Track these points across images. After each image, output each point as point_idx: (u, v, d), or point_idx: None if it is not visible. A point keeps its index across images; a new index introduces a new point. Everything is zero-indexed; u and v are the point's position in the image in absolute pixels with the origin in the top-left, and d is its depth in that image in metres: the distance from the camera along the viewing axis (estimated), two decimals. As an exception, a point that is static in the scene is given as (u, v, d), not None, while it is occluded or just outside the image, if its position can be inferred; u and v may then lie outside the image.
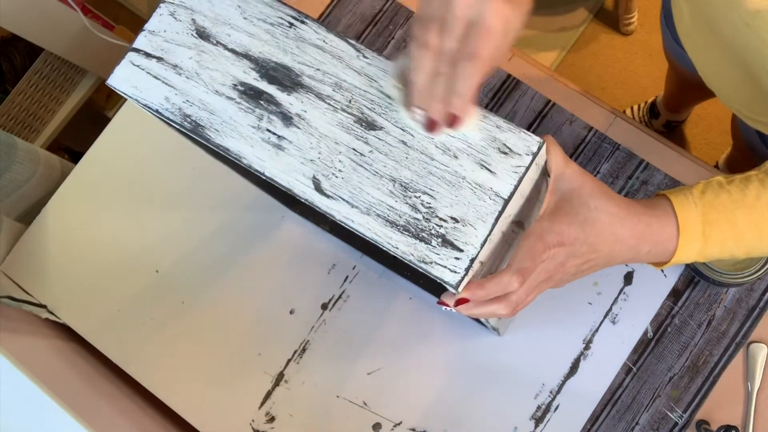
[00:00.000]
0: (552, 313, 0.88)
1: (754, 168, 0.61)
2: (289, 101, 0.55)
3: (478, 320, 0.79)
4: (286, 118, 0.55)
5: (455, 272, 0.52)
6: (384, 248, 0.53)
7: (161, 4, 0.58)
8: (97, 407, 0.83)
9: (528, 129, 0.54)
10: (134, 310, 0.96)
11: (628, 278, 0.88)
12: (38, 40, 1.40)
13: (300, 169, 0.54)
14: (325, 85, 0.55)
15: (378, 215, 0.53)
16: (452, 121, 0.53)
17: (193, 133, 0.56)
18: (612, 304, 0.88)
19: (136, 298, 0.97)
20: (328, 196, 0.54)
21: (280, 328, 0.93)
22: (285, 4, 0.57)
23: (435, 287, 0.85)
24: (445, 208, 0.53)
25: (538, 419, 0.86)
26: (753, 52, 0.64)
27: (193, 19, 0.58)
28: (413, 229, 0.53)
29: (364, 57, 0.56)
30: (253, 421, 0.91)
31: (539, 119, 0.94)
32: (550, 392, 0.86)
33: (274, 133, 0.55)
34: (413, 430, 0.88)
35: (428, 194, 0.53)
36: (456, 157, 0.54)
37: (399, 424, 0.88)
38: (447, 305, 0.56)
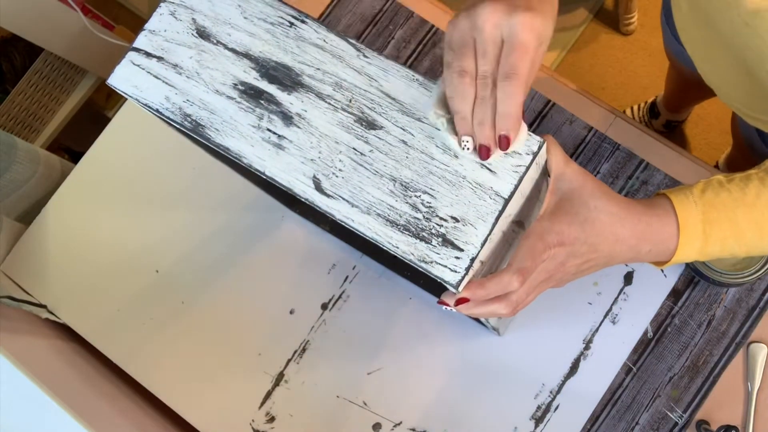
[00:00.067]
0: (552, 313, 0.88)
1: (754, 167, 0.61)
2: (290, 101, 0.55)
3: (478, 320, 0.79)
4: (287, 118, 0.55)
5: (455, 272, 0.52)
6: (384, 248, 0.53)
7: (161, 4, 0.58)
8: (97, 407, 0.83)
9: (528, 129, 0.54)
10: (134, 310, 0.96)
11: (628, 278, 0.88)
12: (38, 40, 1.40)
13: (300, 169, 0.54)
14: (325, 85, 0.55)
15: (378, 215, 0.53)
16: (504, 143, 0.53)
17: (194, 132, 0.56)
18: (612, 304, 0.88)
19: (136, 298, 0.96)
20: (328, 196, 0.54)
21: (280, 328, 0.93)
22: (285, 3, 0.57)
23: (435, 287, 0.85)
24: (446, 207, 0.53)
25: (538, 419, 0.86)
26: (752, 51, 0.64)
27: (193, 19, 0.58)
28: (413, 229, 0.53)
29: (365, 56, 0.56)
30: (253, 421, 0.91)
31: (539, 119, 0.94)
32: (550, 392, 0.86)
33: (274, 133, 0.55)
34: (413, 430, 0.88)
35: (428, 194, 0.53)
36: (456, 157, 0.54)
37: (399, 424, 0.88)
38: (447, 305, 0.56)
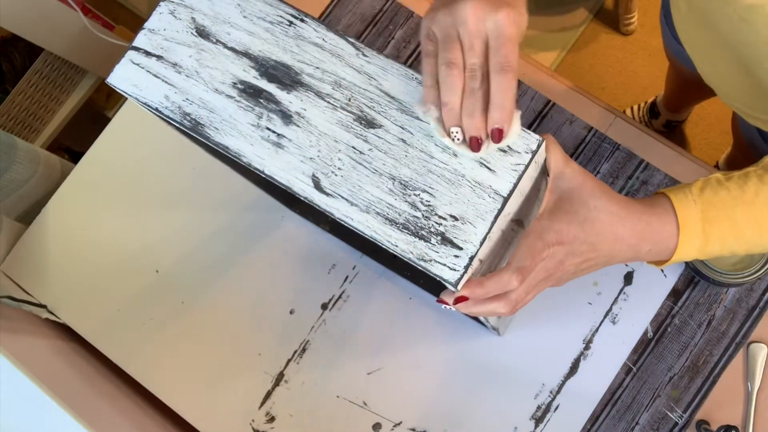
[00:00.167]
0: (552, 313, 0.88)
1: (753, 164, 0.61)
2: (289, 99, 0.55)
3: (477, 320, 0.79)
4: (286, 117, 0.55)
5: (454, 270, 0.52)
6: (383, 246, 0.53)
7: (161, 3, 0.58)
8: (97, 407, 0.83)
9: (528, 129, 0.54)
10: (134, 310, 0.96)
11: (628, 278, 0.88)
12: (38, 40, 1.40)
13: (299, 167, 0.54)
14: (324, 84, 0.55)
15: (377, 213, 0.53)
16: (497, 135, 0.53)
17: (193, 131, 0.56)
18: (612, 304, 0.87)
19: (136, 298, 0.97)
20: (327, 194, 0.54)
21: (280, 328, 0.93)
22: (285, 2, 0.57)
23: (435, 287, 0.85)
24: (445, 206, 0.53)
25: (538, 419, 0.86)
26: (750, 48, 0.64)
27: (192, 18, 0.58)
28: (413, 227, 0.53)
29: (364, 55, 0.56)
30: (253, 421, 0.90)
31: (539, 119, 0.94)
32: (550, 392, 0.86)
33: (273, 132, 0.55)
34: (413, 430, 0.88)
35: (428, 192, 0.53)
36: (455, 155, 0.54)
37: (399, 424, 0.88)
38: (446, 303, 0.56)
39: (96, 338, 0.96)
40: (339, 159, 0.54)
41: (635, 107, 1.79)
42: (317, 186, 0.54)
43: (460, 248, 0.52)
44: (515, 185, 0.53)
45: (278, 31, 0.57)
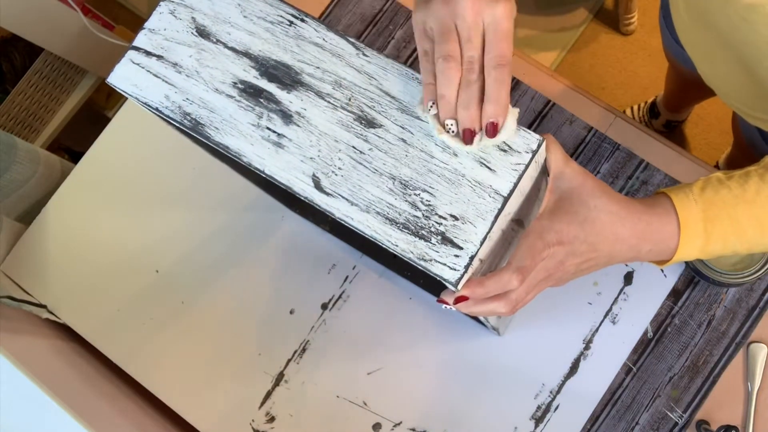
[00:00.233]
0: (552, 313, 0.88)
1: (753, 164, 0.61)
2: (289, 99, 0.55)
3: (477, 320, 0.79)
4: (286, 116, 0.55)
5: (455, 270, 0.52)
6: (383, 246, 0.53)
7: (161, 3, 0.58)
8: (97, 407, 0.83)
9: (528, 129, 0.54)
10: (134, 310, 0.96)
11: (628, 278, 0.88)
12: (38, 40, 1.40)
13: (300, 167, 0.54)
14: (324, 83, 0.55)
15: (378, 213, 0.53)
16: (491, 129, 0.53)
17: (193, 131, 0.56)
18: (612, 304, 0.87)
19: (136, 298, 0.96)
20: (327, 194, 0.54)
21: (280, 328, 0.93)
22: (285, 2, 0.57)
23: (435, 287, 0.85)
24: (445, 205, 0.53)
25: (538, 419, 0.86)
26: (750, 47, 0.64)
27: (193, 18, 0.58)
28: (413, 227, 0.53)
29: (364, 55, 0.56)
30: (253, 421, 0.90)
31: (539, 119, 0.94)
32: (550, 392, 0.86)
33: (273, 131, 0.55)
34: (413, 430, 0.88)
35: (428, 192, 0.53)
36: (455, 155, 0.54)
37: (399, 424, 0.88)
38: (446, 303, 0.56)
39: (96, 338, 0.96)
40: (339, 159, 0.54)
41: (635, 107, 1.79)
42: (317, 186, 0.54)
43: (461, 248, 0.52)
44: (515, 185, 0.53)
45: (278, 30, 0.57)
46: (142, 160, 1.01)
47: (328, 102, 0.55)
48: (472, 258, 0.52)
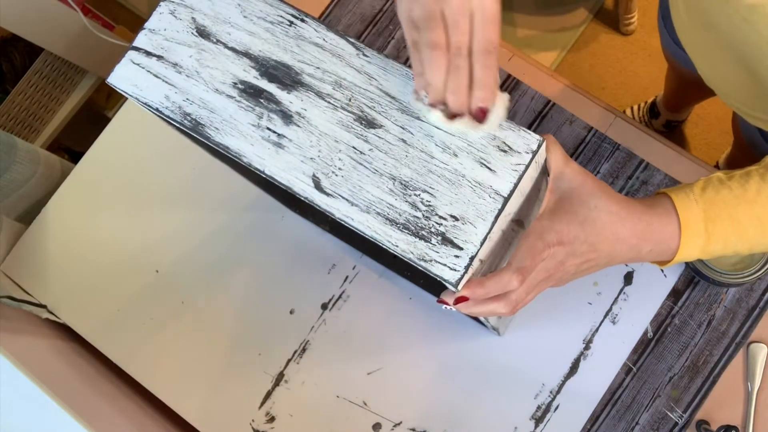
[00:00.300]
0: (552, 313, 0.88)
1: (754, 164, 0.61)
2: (289, 99, 0.55)
3: (477, 320, 0.79)
4: (286, 117, 0.55)
5: (455, 270, 0.52)
6: (384, 246, 0.53)
7: (161, 3, 0.58)
8: (97, 407, 0.83)
9: (528, 129, 0.54)
10: (134, 310, 0.96)
11: (628, 278, 0.88)
12: (38, 40, 1.40)
13: (300, 168, 0.54)
14: (325, 84, 0.55)
15: (378, 213, 0.53)
16: (480, 114, 0.53)
17: (193, 131, 0.56)
18: (612, 304, 0.87)
19: (136, 298, 0.96)
20: (327, 195, 0.54)
21: (280, 328, 0.93)
22: (285, 2, 0.57)
23: (435, 287, 0.85)
24: (445, 206, 0.53)
25: (538, 419, 0.86)
26: (751, 48, 0.64)
27: (193, 18, 0.58)
28: (413, 227, 0.53)
29: (364, 55, 0.56)
30: (253, 421, 0.90)
31: (539, 119, 0.94)
32: (550, 392, 0.86)
33: (274, 132, 0.55)
34: (413, 430, 0.88)
35: (428, 192, 0.53)
36: (456, 156, 0.54)
37: (399, 424, 0.88)
38: (447, 303, 0.56)
39: (96, 338, 0.96)
40: (339, 159, 0.54)
41: (635, 107, 1.79)
42: (318, 186, 0.54)
43: (461, 248, 0.52)
44: (516, 185, 0.53)
45: (278, 31, 0.57)
46: (142, 160, 1.01)
47: (329, 102, 0.55)
48: (472, 258, 0.52)
